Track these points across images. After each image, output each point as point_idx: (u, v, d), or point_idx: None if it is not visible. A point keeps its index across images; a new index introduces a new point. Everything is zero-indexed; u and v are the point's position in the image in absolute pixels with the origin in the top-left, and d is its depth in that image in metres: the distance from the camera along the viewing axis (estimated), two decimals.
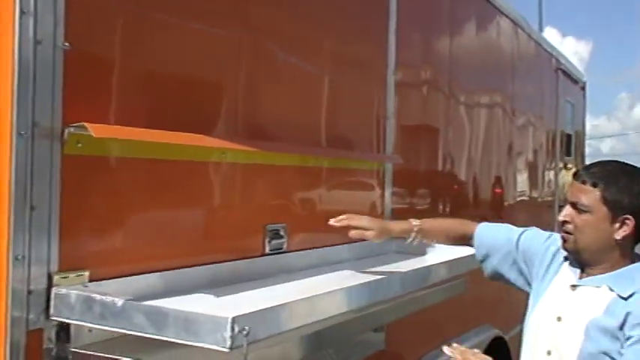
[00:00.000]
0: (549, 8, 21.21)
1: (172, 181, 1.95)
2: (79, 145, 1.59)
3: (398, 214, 3.19)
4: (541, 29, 7.59)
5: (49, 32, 1.55)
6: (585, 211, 2.02)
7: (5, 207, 1.50)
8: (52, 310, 1.55)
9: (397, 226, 2.48)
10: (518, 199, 5.37)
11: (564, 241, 2.09)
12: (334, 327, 2.08)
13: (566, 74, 6.75)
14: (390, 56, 3.12)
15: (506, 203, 5.03)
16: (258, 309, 1.52)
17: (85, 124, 1.56)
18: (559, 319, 2.05)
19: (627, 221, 2.00)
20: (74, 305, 1.52)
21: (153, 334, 1.44)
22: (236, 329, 1.36)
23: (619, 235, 2.00)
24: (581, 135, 7.78)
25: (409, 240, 2.43)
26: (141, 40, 1.86)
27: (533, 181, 5.82)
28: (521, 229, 2.39)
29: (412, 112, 3.51)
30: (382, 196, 3.11)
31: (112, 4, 1.75)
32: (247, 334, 1.38)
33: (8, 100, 1.50)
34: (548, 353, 2.07)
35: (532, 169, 5.80)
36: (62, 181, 1.57)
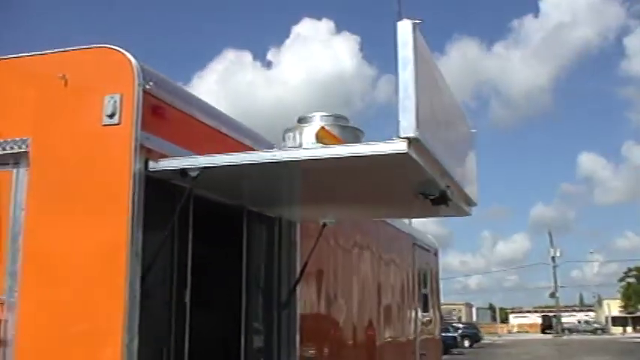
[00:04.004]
0: None
1: None
2: None
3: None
4: None
5: None
6: None
7: None
8: None
9: None
10: (390, 343, 7.05)
11: None
12: None
13: (420, 247, 8.78)
14: None
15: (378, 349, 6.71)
16: None
17: None
18: None
19: None
20: None
21: None
22: None
23: None
24: (435, 292, 9.64)
25: None
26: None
27: (398, 331, 7.54)
28: None
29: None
30: None
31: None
32: None
33: None
34: None
35: (399, 322, 7.56)
36: None
